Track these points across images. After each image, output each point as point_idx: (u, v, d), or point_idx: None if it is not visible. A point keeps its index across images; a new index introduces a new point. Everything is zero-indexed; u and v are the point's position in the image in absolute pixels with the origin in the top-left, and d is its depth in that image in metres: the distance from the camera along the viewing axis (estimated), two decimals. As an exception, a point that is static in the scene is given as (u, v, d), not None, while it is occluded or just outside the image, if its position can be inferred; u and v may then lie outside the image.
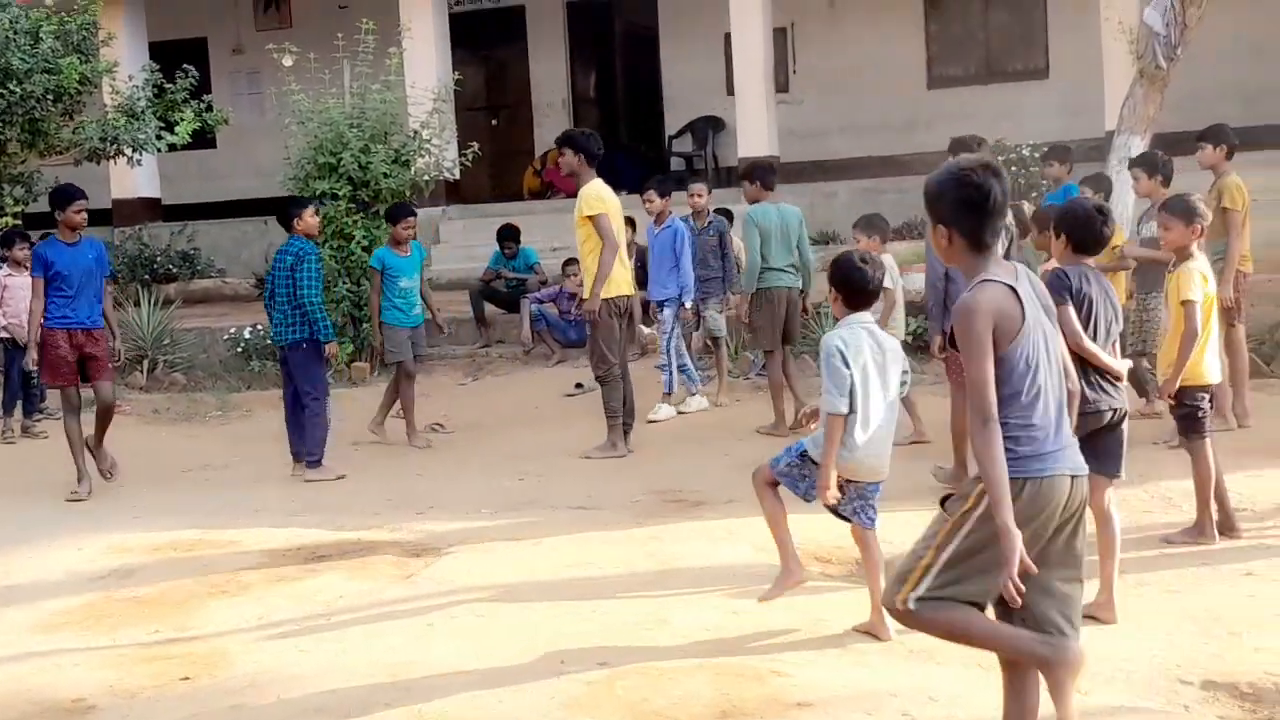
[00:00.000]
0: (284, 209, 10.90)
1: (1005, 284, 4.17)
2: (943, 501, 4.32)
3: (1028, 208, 10.13)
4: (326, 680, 5.86)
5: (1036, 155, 14.19)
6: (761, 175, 11.20)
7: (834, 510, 6.24)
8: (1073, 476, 4.22)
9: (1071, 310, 6.14)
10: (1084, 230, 6.42)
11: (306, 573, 7.70)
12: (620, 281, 10.52)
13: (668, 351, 12.02)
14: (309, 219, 10.71)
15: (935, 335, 9.00)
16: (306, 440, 10.56)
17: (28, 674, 6.21)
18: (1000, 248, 4.29)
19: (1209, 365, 7.39)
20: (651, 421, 11.57)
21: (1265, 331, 11.93)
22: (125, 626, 6.88)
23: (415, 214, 12.02)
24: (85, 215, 10.30)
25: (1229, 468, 7.74)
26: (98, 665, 6.27)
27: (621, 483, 9.53)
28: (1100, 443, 6.06)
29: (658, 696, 5.42)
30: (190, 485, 10.51)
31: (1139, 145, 12.95)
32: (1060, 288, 6.14)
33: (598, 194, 10.25)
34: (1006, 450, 4.09)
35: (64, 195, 10.24)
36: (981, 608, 4.28)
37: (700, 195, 12.51)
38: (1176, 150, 15.82)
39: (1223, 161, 10.16)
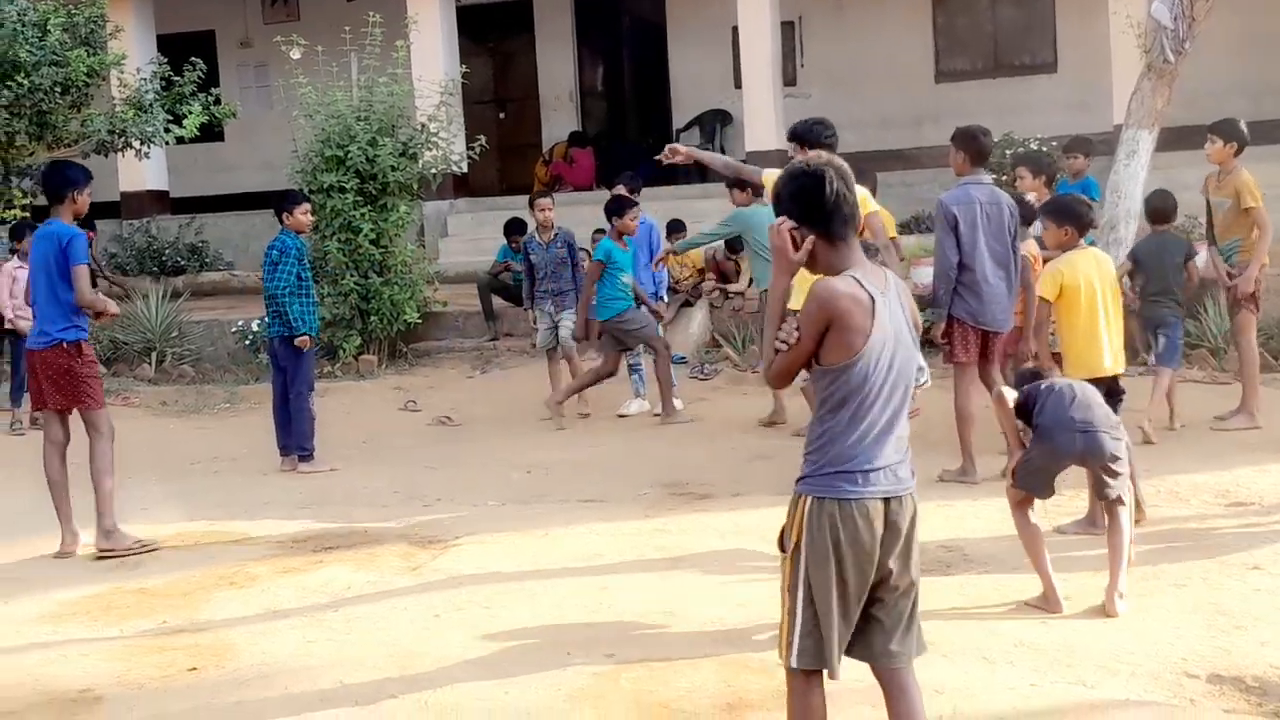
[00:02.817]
0: (278, 202, 10.95)
1: (868, 291, 4.04)
2: (779, 541, 4.19)
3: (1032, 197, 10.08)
4: (334, 671, 5.87)
5: (1043, 150, 14.15)
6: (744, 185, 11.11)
7: None
8: (886, 499, 4.12)
9: None
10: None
11: (314, 564, 7.71)
12: None
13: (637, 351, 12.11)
14: (299, 215, 10.76)
15: (940, 322, 9.04)
16: (294, 434, 10.60)
17: (35, 664, 6.22)
18: (855, 240, 4.19)
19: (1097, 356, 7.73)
20: (622, 416, 11.78)
21: (1275, 325, 11.92)
22: (133, 617, 6.90)
23: (638, 204, 12.03)
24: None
25: (1237, 462, 7.74)
26: (105, 656, 6.28)
27: (629, 475, 9.54)
28: None
29: (664, 688, 5.43)
30: (198, 477, 10.53)
31: (1147, 139, 12.93)
32: None
33: None
34: (823, 463, 4.07)
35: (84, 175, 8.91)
36: (848, 614, 4.15)
37: (547, 209, 12.43)
38: (1184, 144, 15.86)
39: (1231, 159, 10.15)
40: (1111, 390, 7.61)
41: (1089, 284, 7.73)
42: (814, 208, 4.11)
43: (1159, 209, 10.49)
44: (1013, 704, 5.26)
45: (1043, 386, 6.65)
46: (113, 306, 8.50)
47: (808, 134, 9.12)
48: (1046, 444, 6.44)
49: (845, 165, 4.22)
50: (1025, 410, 6.63)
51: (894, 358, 4.10)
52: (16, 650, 6.47)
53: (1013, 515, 6.53)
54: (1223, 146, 10.19)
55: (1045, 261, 9.20)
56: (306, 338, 10.65)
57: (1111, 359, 7.78)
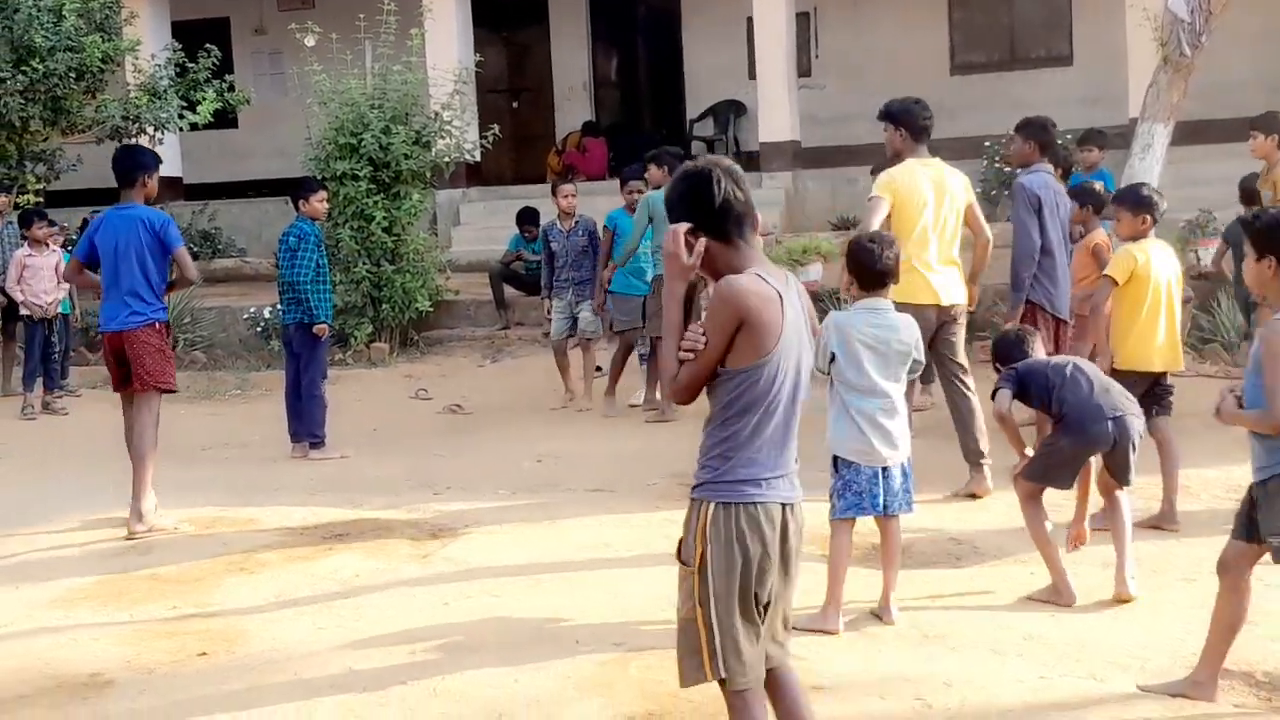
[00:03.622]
0: (294, 189, 10.95)
1: (774, 288, 3.95)
2: (678, 553, 4.09)
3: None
4: (344, 657, 5.89)
5: (1060, 142, 14.12)
6: None
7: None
8: (783, 505, 4.05)
9: None
10: None
11: (324, 551, 7.72)
12: None
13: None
14: (316, 203, 10.76)
15: (1017, 309, 8.67)
16: (305, 420, 10.60)
17: (45, 648, 6.24)
18: (758, 241, 4.05)
19: (1148, 351, 7.54)
20: (634, 405, 11.72)
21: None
22: (143, 603, 6.91)
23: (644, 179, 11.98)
24: None
25: (1248, 457, 7.69)
26: (115, 641, 6.30)
27: (638, 466, 9.54)
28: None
29: (673, 677, 5.40)
30: (209, 463, 10.55)
31: (1163, 133, 12.92)
32: None
33: None
34: (725, 469, 3.98)
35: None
36: (758, 619, 4.05)
37: (570, 196, 12.37)
38: (1200, 139, 15.83)
39: (1275, 152, 10.14)
40: (1158, 388, 7.56)
41: (1157, 276, 7.52)
42: (703, 209, 3.98)
43: (1248, 189, 10.50)
44: (1022, 697, 5.26)
45: (1048, 368, 6.53)
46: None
47: (904, 114, 8.63)
48: (1077, 435, 6.32)
49: (735, 165, 4.07)
50: (1028, 393, 6.54)
51: (799, 359, 4.03)
52: (27, 634, 6.49)
53: (1023, 508, 6.50)
54: (1264, 140, 10.17)
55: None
56: (324, 325, 10.66)
57: (1161, 359, 7.57)
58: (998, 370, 6.72)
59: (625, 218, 11.56)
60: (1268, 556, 5.10)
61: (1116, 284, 7.51)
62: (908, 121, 8.57)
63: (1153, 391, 7.50)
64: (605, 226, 11.73)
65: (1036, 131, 9.00)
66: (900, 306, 7.98)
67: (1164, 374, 7.63)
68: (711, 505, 4.00)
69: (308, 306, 10.52)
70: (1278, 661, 5.54)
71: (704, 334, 3.92)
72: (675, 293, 4.05)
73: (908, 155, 8.57)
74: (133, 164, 8.54)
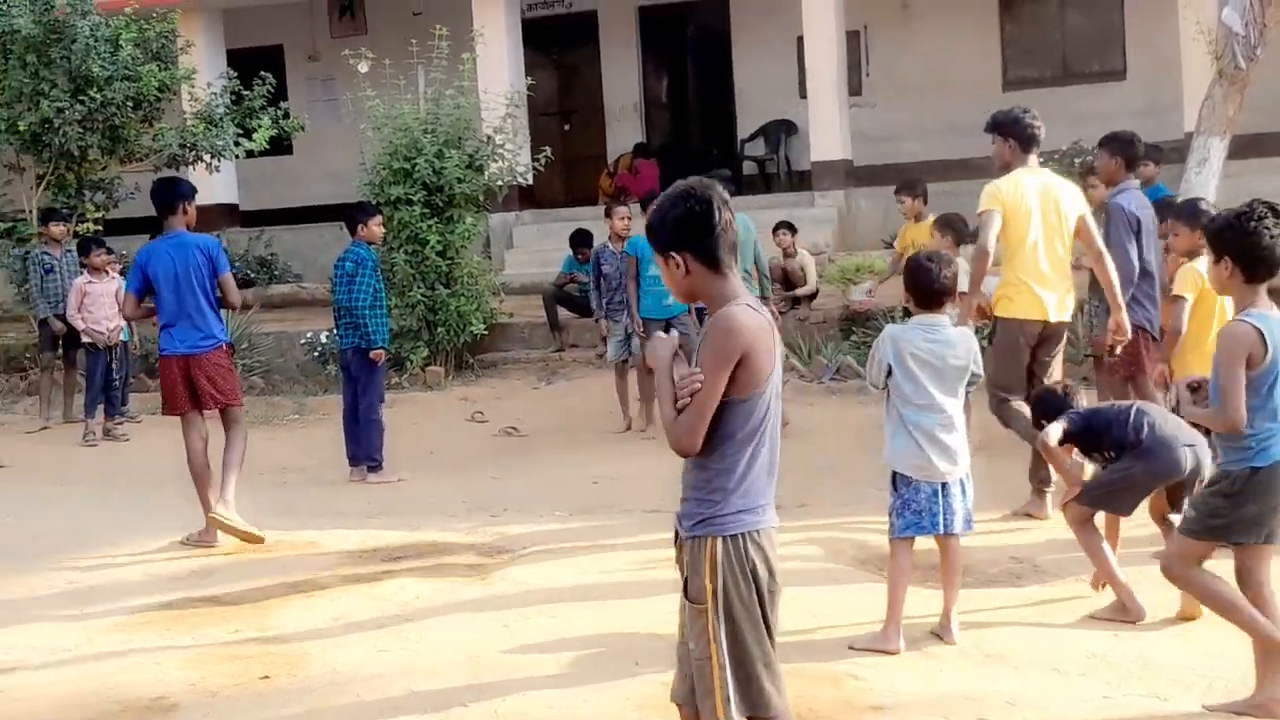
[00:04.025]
0: (350, 214, 11.02)
1: (765, 317, 3.92)
2: (685, 592, 4.08)
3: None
4: (404, 679, 5.91)
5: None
6: None
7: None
8: (774, 529, 4.04)
9: None
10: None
11: (383, 574, 7.76)
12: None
13: None
14: (374, 227, 10.87)
15: (1117, 324, 8.24)
16: (363, 444, 10.66)
17: (109, 672, 6.30)
18: (738, 271, 3.98)
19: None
20: None
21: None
22: (205, 626, 6.96)
23: None
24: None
25: None
26: (178, 664, 6.35)
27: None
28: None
29: (732, 698, 5.41)
30: (268, 487, 10.60)
31: (1218, 147, 12.81)
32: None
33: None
34: (724, 503, 3.95)
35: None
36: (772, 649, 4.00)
37: (625, 219, 12.34)
38: (1255, 152, 15.69)
39: None
40: None
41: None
42: (700, 235, 3.89)
43: None
44: (1085, 716, 5.22)
45: (1114, 409, 6.58)
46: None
47: (1012, 124, 8.32)
48: (1152, 463, 6.28)
49: (725, 192, 3.97)
50: (1085, 435, 6.52)
51: (779, 385, 3.99)
52: (91, 658, 6.55)
53: (1077, 534, 6.46)
54: None
55: None
56: (382, 350, 10.74)
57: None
58: (1039, 426, 6.71)
59: (647, 244, 11.40)
60: None
61: (1186, 301, 7.36)
62: (1016, 131, 8.29)
63: None
64: (626, 253, 11.73)
65: (1123, 147, 8.86)
66: (1004, 322, 7.91)
67: None
68: (719, 540, 3.96)
69: (365, 331, 10.59)
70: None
71: (699, 371, 3.85)
72: (663, 370, 3.98)
73: (1017, 166, 8.29)
74: (173, 194, 8.86)
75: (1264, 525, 5.24)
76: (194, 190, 9.06)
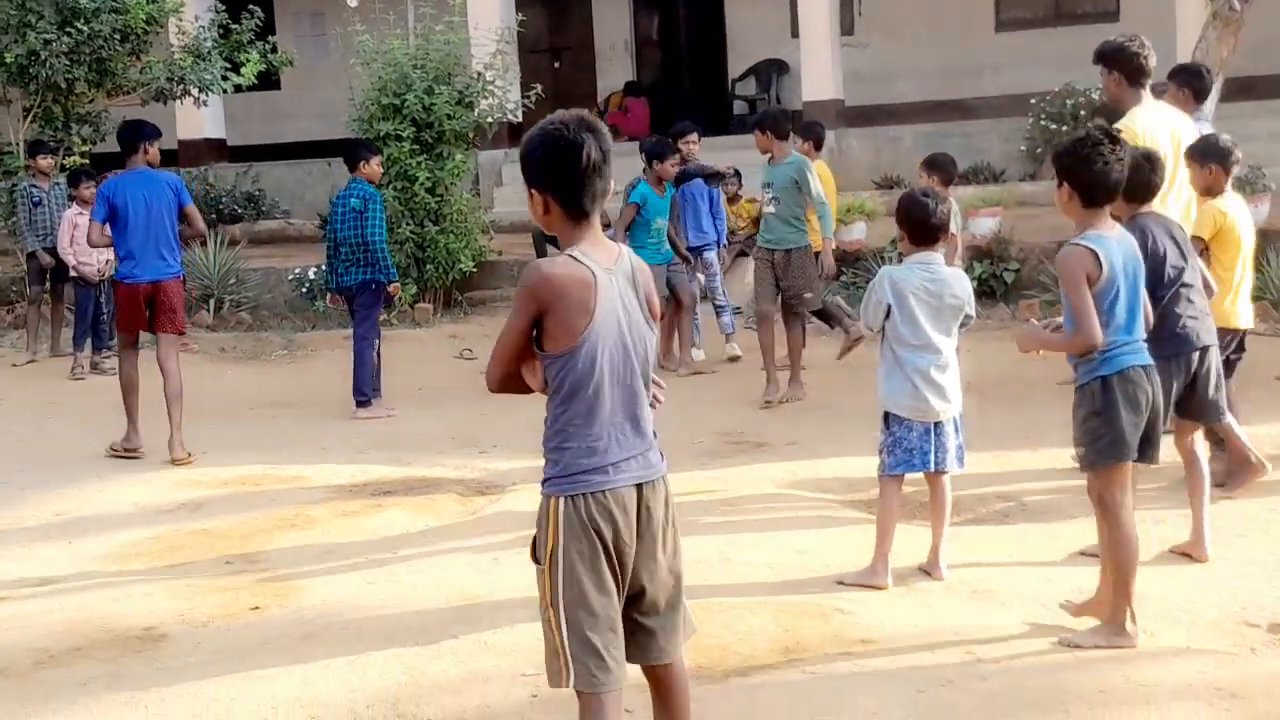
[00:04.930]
0: (352, 150, 10.95)
1: (589, 268, 3.72)
2: (532, 553, 3.93)
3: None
4: (395, 611, 5.93)
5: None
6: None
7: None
8: (639, 485, 3.86)
9: None
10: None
11: (372, 508, 7.78)
12: None
13: (724, 293, 12.19)
14: (375, 165, 10.86)
15: None
16: (355, 379, 10.65)
17: (99, 603, 6.32)
18: (598, 217, 3.81)
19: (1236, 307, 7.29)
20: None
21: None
22: (195, 558, 6.99)
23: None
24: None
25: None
26: (168, 595, 6.37)
27: (685, 424, 9.53)
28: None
29: (722, 632, 5.45)
30: (257, 422, 10.63)
31: (1212, 89, 12.75)
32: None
33: None
34: (567, 460, 3.84)
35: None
36: (615, 615, 3.84)
37: (684, 161, 12.14)
38: (1249, 95, 15.65)
39: None
40: (1241, 346, 7.41)
41: (1242, 230, 7.31)
42: (562, 177, 3.73)
43: None
44: (1072, 651, 5.25)
45: None
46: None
47: (1116, 55, 7.20)
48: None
49: (605, 131, 3.81)
50: None
51: (626, 337, 3.81)
52: (81, 589, 6.57)
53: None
54: None
55: None
56: (397, 284, 10.77)
57: (1248, 314, 7.39)
58: None
59: (653, 195, 11.36)
60: None
61: (1205, 243, 7.14)
62: (1121, 62, 7.20)
63: (1235, 352, 7.33)
64: (631, 201, 11.50)
65: (1191, 78, 8.35)
66: None
67: (1245, 332, 7.44)
68: (559, 500, 3.84)
69: (383, 265, 10.58)
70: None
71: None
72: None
73: (1129, 102, 7.26)
74: (136, 134, 9.51)
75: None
76: (158, 132, 9.72)
